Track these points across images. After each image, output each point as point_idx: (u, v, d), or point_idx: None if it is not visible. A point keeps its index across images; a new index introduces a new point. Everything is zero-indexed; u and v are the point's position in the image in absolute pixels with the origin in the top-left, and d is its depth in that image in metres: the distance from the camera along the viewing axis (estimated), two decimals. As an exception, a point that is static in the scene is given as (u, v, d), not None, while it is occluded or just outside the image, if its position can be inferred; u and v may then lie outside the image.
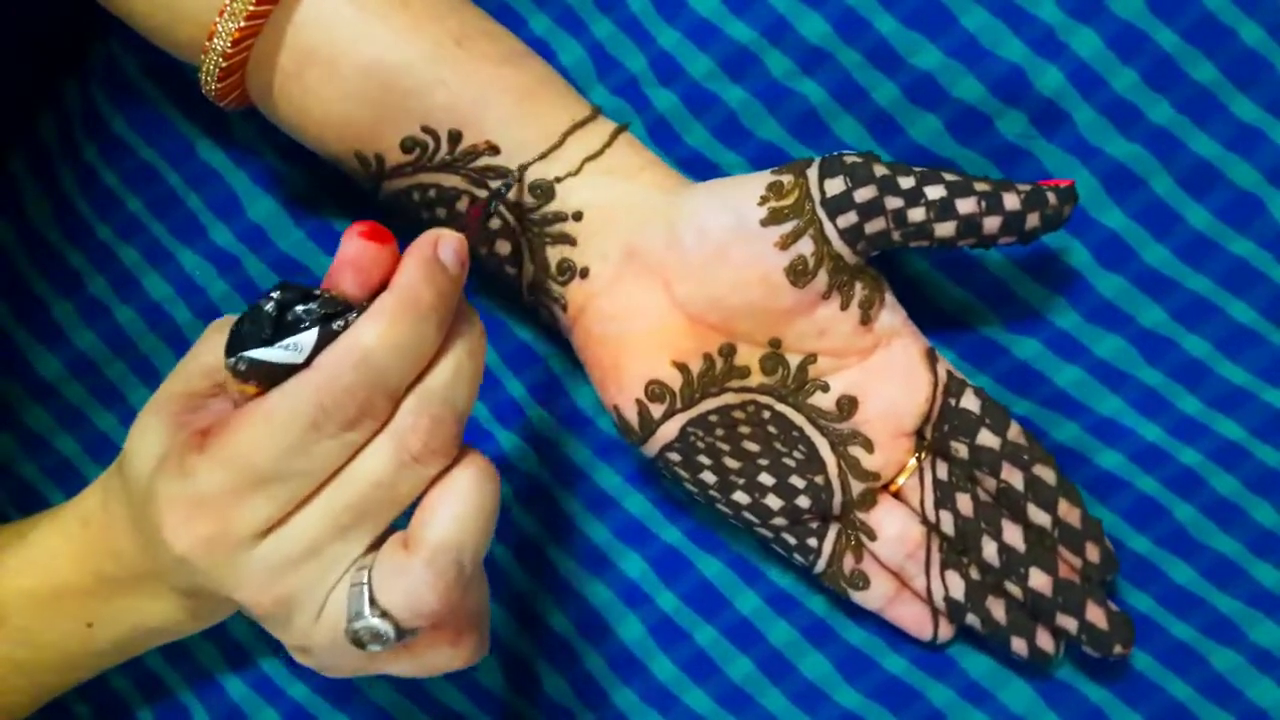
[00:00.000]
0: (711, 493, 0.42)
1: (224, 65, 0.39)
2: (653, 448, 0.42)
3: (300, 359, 0.32)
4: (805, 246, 0.39)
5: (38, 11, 0.50)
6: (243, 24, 0.38)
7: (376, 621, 0.32)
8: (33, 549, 0.39)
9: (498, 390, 0.47)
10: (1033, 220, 0.39)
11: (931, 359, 0.42)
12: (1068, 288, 0.44)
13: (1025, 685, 0.43)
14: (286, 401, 0.32)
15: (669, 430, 0.42)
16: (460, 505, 0.33)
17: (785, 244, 0.39)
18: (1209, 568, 0.43)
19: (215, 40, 0.39)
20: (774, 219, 0.39)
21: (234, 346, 0.32)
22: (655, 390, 0.41)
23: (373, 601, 0.32)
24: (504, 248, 0.42)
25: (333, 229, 0.47)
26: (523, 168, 0.41)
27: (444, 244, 0.34)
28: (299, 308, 0.32)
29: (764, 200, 0.39)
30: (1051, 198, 0.39)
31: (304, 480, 0.32)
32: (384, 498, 0.33)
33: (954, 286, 0.44)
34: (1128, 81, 0.42)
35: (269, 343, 0.32)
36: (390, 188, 0.42)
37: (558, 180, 0.41)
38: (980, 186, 0.39)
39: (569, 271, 0.42)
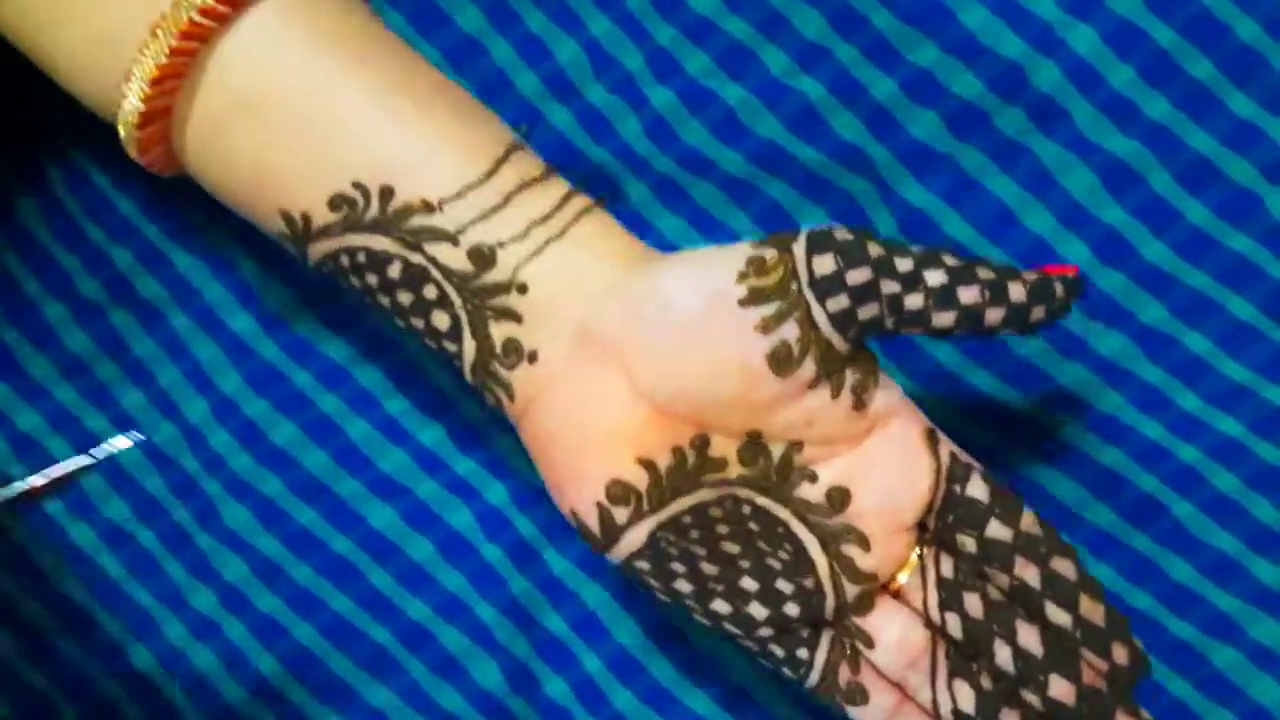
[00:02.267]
0: (688, 602, 0.37)
1: (139, 137, 0.37)
2: (618, 555, 0.37)
3: None
4: (790, 332, 0.35)
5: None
6: (150, 90, 0.36)
7: None
8: None
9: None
10: (1038, 313, 0.35)
11: (932, 440, 0.37)
12: None
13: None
14: None
15: (636, 536, 0.37)
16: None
17: (768, 328, 0.35)
18: (1208, 565, 0.42)
19: (126, 102, 0.37)
20: (754, 299, 0.35)
21: None
22: (617, 491, 0.36)
23: None
24: (442, 321, 0.37)
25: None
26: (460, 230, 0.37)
27: None
28: None
29: (743, 277, 0.35)
30: (1059, 289, 0.35)
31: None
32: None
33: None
34: (1125, 78, 0.42)
35: None
36: (317, 251, 0.38)
37: (500, 245, 0.36)
38: (984, 274, 0.35)
39: (515, 353, 0.37)
